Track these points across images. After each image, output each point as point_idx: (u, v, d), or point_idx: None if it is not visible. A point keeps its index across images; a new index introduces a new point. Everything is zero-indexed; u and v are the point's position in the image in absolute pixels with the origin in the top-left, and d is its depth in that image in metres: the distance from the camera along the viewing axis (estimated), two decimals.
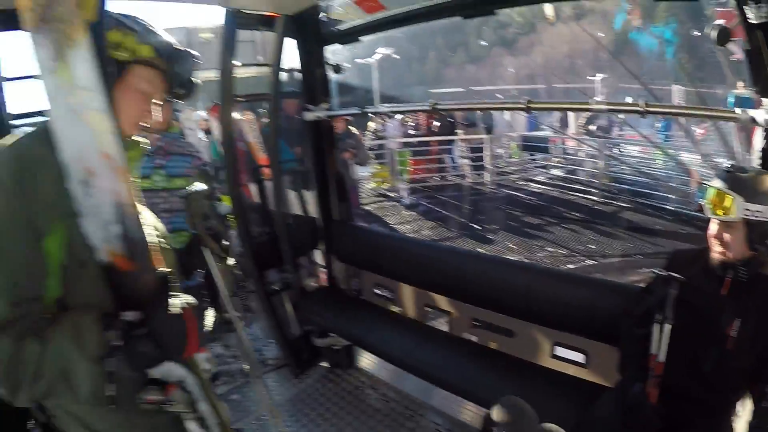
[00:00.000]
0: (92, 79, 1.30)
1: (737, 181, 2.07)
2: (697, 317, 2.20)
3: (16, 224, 1.27)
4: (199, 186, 2.00)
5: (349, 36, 3.97)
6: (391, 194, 13.50)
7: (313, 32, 3.94)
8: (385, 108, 3.63)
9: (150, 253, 1.48)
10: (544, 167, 16.04)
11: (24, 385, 1.24)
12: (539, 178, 15.20)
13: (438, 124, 14.35)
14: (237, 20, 3.61)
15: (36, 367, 1.23)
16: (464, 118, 14.60)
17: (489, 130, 14.90)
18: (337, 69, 4.13)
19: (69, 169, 1.33)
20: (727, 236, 2.11)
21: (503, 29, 38.17)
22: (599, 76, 23.78)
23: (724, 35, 2.44)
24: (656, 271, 2.31)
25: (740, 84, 10.80)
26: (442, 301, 3.76)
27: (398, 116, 14.41)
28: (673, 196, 11.08)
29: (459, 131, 14.61)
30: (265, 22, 3.77)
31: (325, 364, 4.45)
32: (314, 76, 4.04)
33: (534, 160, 16.56)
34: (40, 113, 3.15)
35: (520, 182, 14.70)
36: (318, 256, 4.82)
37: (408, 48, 33.66)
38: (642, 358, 2.27)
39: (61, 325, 1.29)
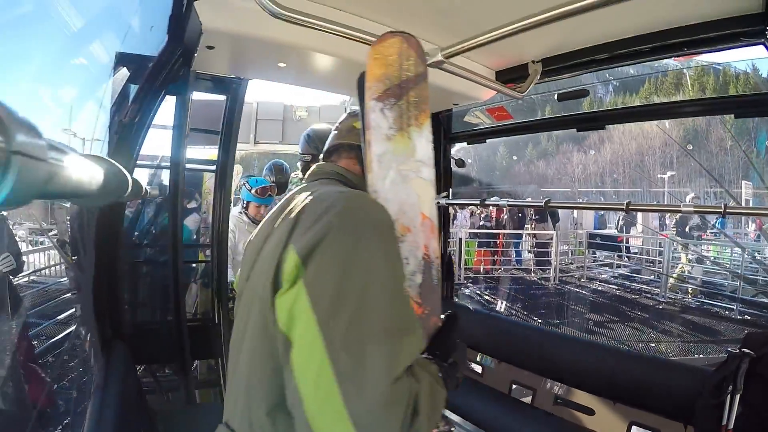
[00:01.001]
0: (428, 155, 1.54)
1: None
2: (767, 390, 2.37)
3: (401, 267, 1.28)
4: None
5: (477, 137, 4.35)
6: None
7: (444, 130, 4.43)
8: (503, 202, 4.02)
9: (439, 297, 1.59)
10: (609, 265, 16.06)
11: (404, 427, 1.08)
12: (603, 276, 15.18)
13: (506, 217, 14.71)
14: None
15: (415, 406, 1.13)
16: (535, 213, 14.86)
17: (555, 226, 15.09)
18: (461, 163, 4.56)
19: None
20: None
21: None
22: (668, 174, 24.42)
23: None
24: (730, 349, 2.50)
25: None
26: (528, 377, 3.94)
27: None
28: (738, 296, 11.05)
29: (527, 226, 15.00)
30: None
31: None
32: (439, 167, 4.41)
33: (596, 258, 16.59)
34: (210, 161, 3.82)
35: (584, 280, 14.61)
36: None
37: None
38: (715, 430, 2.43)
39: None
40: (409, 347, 1.14)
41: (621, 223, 19.56)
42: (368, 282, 1.12)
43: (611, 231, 18.51)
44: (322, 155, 1.79)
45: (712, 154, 28.45)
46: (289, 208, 1.32)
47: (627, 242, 17.00)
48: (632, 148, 34.97)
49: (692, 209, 2.91)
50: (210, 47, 2.57)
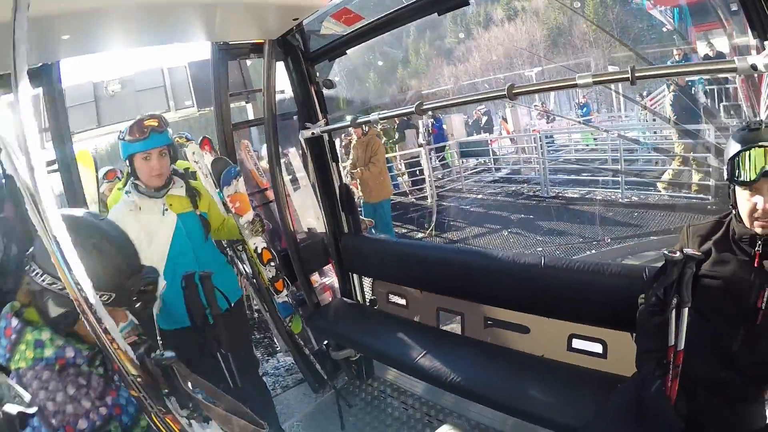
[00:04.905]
0: None
1: None
2: (719, 295, 2.00)
3: None
4: None
5: (335, 51, 4.04)
6: None
7: (301, 52, 4.10)
8: (375, 116, 3.69)
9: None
10: (487, 170, 16.28)
11: None
12: (486, 180, 15.41)
13: None
14: (225, 52, 3.87)
15: None
16: (397, 129, 14.87)
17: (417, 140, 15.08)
18: (329, 84, 4.32)
19: None
20: None
21: (441, 40, 39.96)
22: (535, 70, 25.85)
23: None
24: (667, 253, 1.96)
25: (676, 52, 11.80)
26: (454, 303, 3.83)
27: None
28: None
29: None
30: (253, 50, 4.04)
31: (345, 377, 4.53)
32: (308, 94, 4.22)
33: (475, 166, 16.81)
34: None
35: (464, 191, 14.59)
36: (331, 270, 4.94)
37: (349, 69, 34.34)
38: (659, 351, 2.08)
39: None
40: None
41: (481, 126, 19.98)
42: None
43: (482, 136, 18.75)
44: None
45: (578, 48, 30.50)
46: None
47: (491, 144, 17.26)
48: (500, 52, 36.49)
49: (590, 81, 2.61)
50: None
